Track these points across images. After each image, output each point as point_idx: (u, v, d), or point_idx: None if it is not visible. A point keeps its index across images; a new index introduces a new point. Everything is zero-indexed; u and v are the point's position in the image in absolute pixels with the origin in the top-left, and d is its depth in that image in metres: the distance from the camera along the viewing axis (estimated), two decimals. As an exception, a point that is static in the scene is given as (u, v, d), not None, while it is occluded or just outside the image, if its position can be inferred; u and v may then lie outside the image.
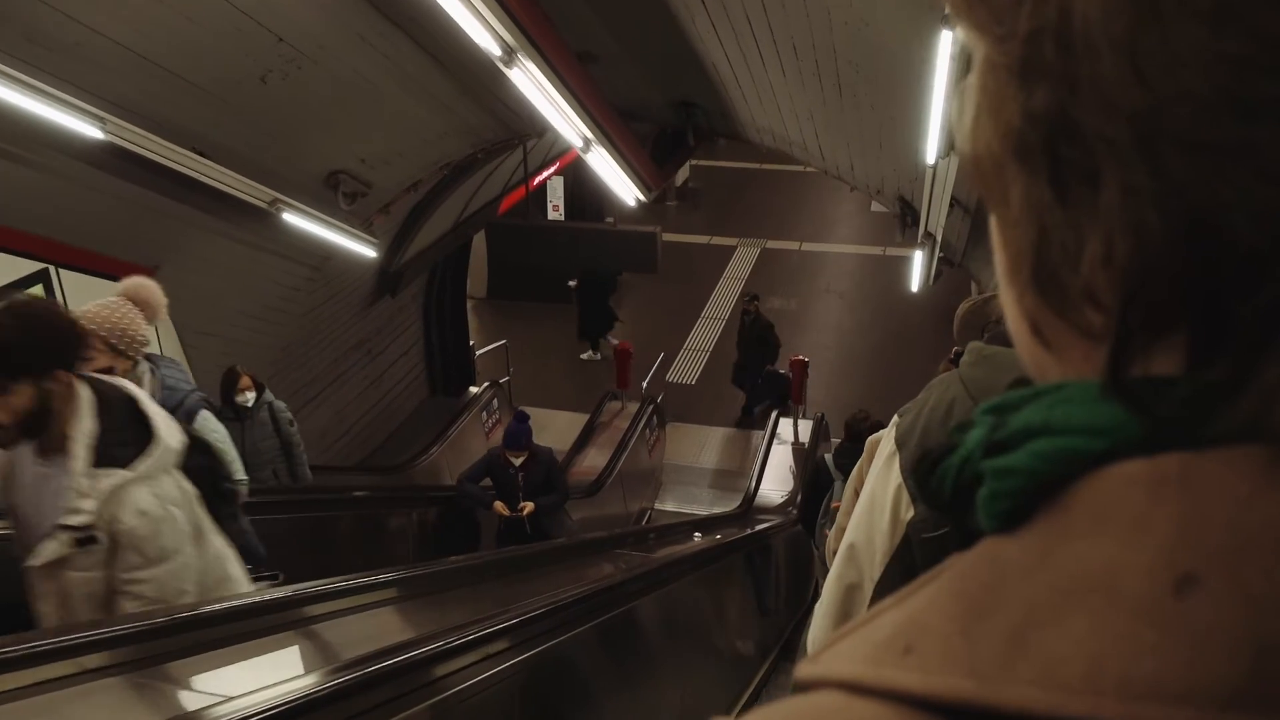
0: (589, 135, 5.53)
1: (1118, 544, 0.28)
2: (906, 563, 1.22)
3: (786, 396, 11.62)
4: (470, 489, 6.90)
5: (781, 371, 11.81)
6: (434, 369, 11.26)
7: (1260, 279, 0.28)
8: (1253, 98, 0.27)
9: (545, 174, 12.79)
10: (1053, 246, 0.32)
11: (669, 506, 10.76)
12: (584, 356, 13.78)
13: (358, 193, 6.83)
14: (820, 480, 6.20)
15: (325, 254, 7.49)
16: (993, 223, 0.37)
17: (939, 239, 4.95)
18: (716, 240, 18.51)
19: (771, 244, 18.05)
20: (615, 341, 13.38)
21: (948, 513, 0.35)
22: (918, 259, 6.13)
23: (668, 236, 19.33)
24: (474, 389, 11.21)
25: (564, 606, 3.53)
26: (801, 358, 10.79)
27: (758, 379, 11.96)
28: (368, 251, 7.34)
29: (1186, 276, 0.29)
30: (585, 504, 9.07)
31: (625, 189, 6.74)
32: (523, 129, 6.95)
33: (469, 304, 16.29)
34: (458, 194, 9.78)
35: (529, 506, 6.64)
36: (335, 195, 6.64)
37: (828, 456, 6.26)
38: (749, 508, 8.85)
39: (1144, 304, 0.30)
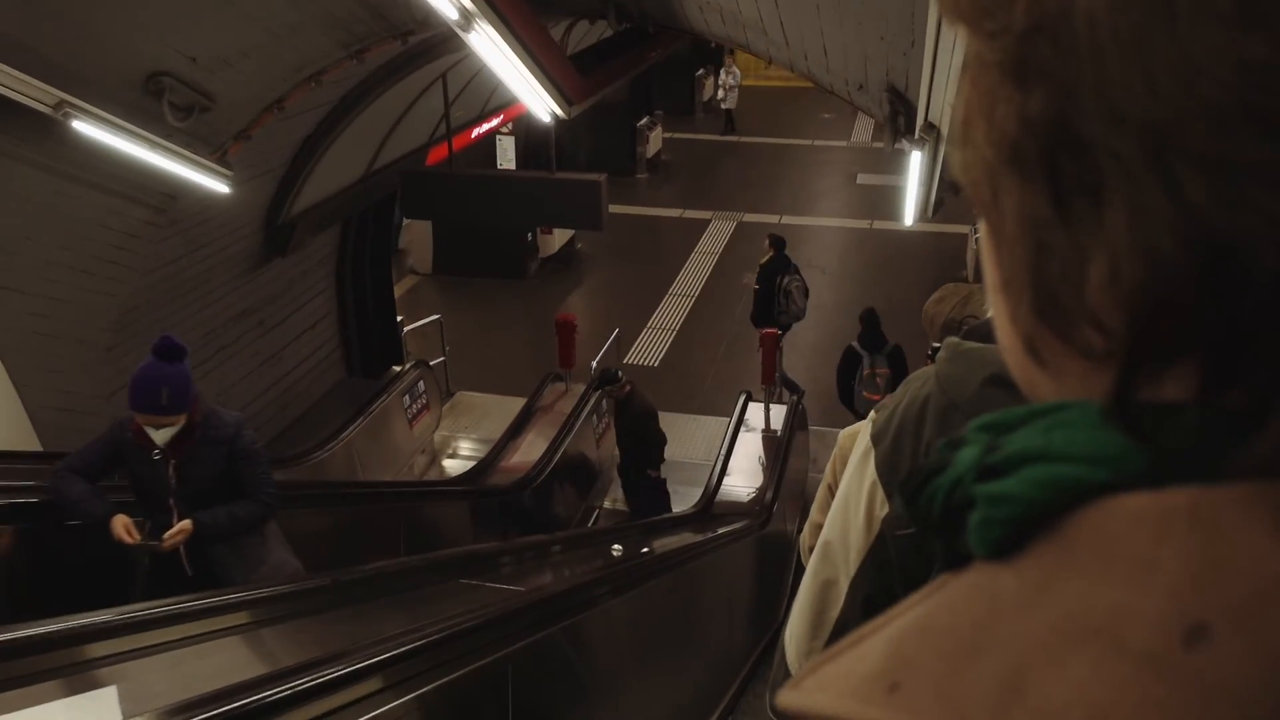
0: (468, 5, 4.03)
1: (1123, 586, 0.26)
2: (881, 559, 1.19)
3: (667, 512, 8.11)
4: (70, 489, 3.63)
5: (663, 480, 8.36)
6: (351, 346, 9.72)
7: None
8: (1278, 110, 0.25)
9: (487, 126, 11.27)
10: (1051, 264, 0.31)
11: (619, 505, 9.27)
12: None
13: (195, 105, 5.31)
14: (850, 358, 8.35)
15: (168, 191, 5.97)
16: (983, 234, 0.35)
17: (944, 132, 3.47)
18: (689, 214, 17.06)
19: (749, 218, 16.59)
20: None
21: (936, 534, 0.34)
22: (914, 171, 4.64)
23: (635, 210, 17.93)
24: (397, 369, 9.68)
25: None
26: (773, 330, 9.28)
27: (638, 486, 8.44)
28: (217, 186, 5.82)
29: (1201, 302, 0.27)
30: (516, 504, 7.59)
31: (535, 98, 5.23)
32: (401, 22, 5.45)
33: (412, 280, 14.90)
34: (364, 134, 8.26)
35: (181, 530, 3.53)
36: (160, 106, 5.12)
37: (853, 343, 8.30)
38: (707, 507, 7.37)
39: (1153, 329, 0.28)
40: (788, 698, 0.31)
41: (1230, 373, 0.27)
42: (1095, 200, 0.28)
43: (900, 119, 4.13)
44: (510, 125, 13.67)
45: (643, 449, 8.21)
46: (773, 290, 10.08)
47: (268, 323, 8.33)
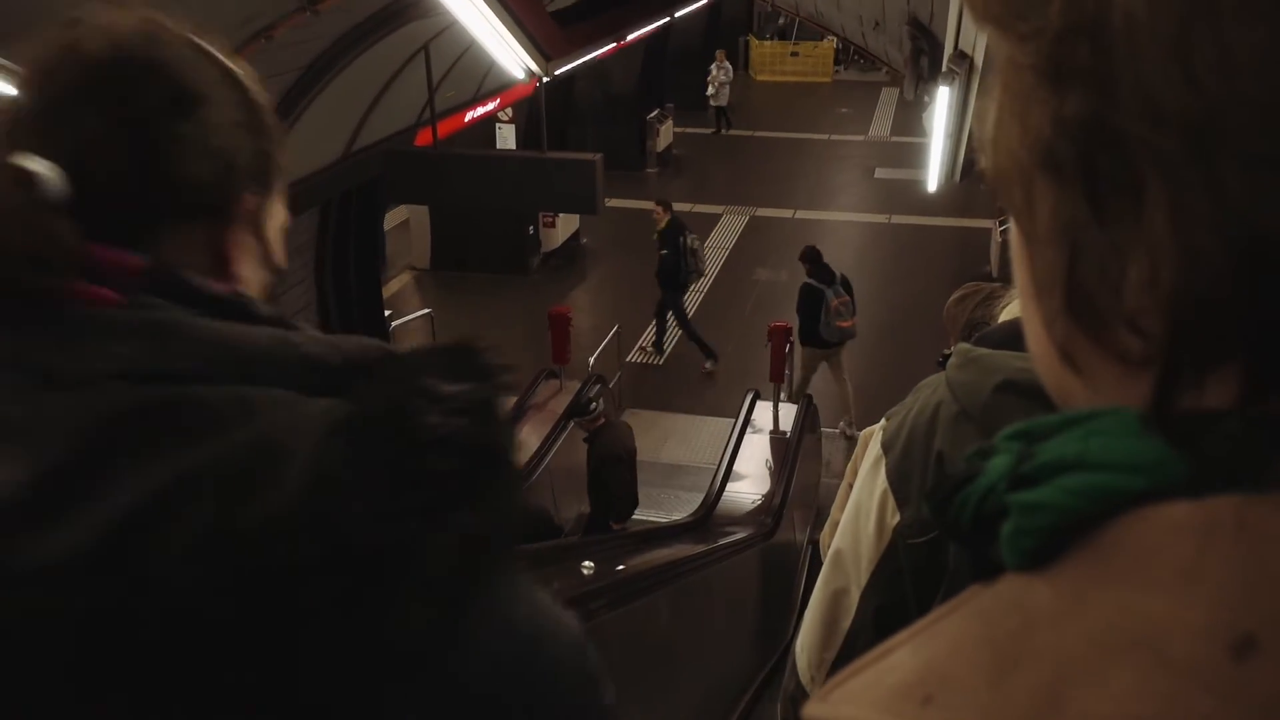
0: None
1: (1165, 596, 0.26)
2: (893, 568, 1.17)
3: None
4: None
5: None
6: (333, 340, 9.12)
7: None
8: None
9: (482, 109, 10.67)
10: (1088, 267, 0.30)
11: (618, 512, 8.64)
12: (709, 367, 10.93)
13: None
14: (813, 295, 8.84)
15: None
16: (1014, 238, 0.34)
17: (978, 63, 2.82)
18: (699, 208, 16.39)
19: (762, 212, 15.95)
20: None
21: (966, 544, 0.33)
22: (940, 117, 3.98)
23: (644, 204, 17.29)
24: (382, 365, 9.08)
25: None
26: (783, 324, 8.62)
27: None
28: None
29: (1243, 304, 0.27)
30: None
31: (508, 53, 4.60)
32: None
33: (409, 275, 14.33)
34: (340, 110, 7.66)
35: None
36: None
37: (808, 281, 8.89)
38: (707, 515, 6.72)
39: (1194, 333, 0.28)
40: (815, 709, 0.31)
41: (1274, 378, 0.27)
42: (1135, 200, 0.28)
43: (924, 59, 3.49)
44: (510, 113, 13.07)
45: (606, 497, 7.09)
46: (679, 251, 10.44)
47: (237, 313, 7.74)
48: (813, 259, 9.15)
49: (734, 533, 6.33)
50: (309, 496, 0.50)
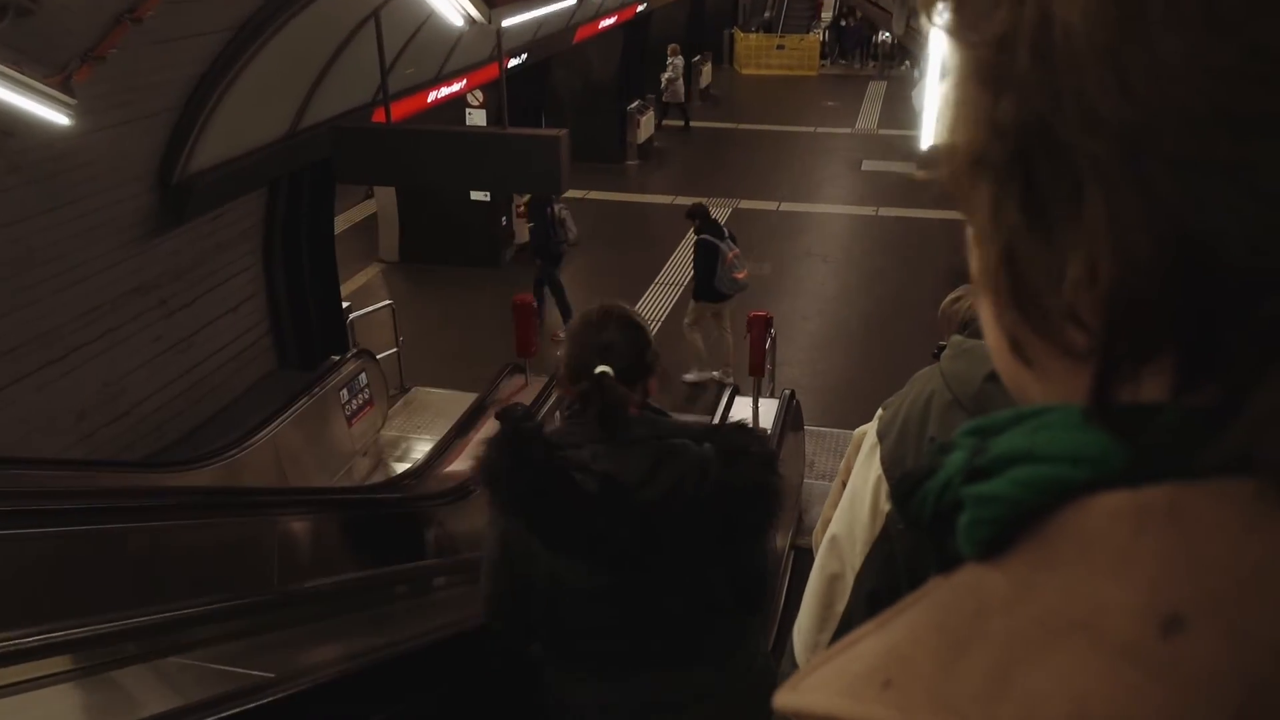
0: None
1: (1103, 580, 0.27)
2: (886, 553, 1.21)
3: None
4: None
5: None
6: (283, 334, 8.53)
7: (1253, 303, 0.27)
8: (1246, 112, 0.26)
9: (446, 90, 10.09)
10: (1030, 266, 0.32)
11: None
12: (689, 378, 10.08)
13: (9, 4, 4.13)
14: (709, 250, 9.17)
15: (-3, 124, 4.78)
16: (970, 238, 0.36)
17: None
18: (681, 200, 15.83)
19: (745, 204, 15.42)
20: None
21: (928, 536, 0.35)
22: (936, 57, 3.46)
23: (624, 196, 16.78)
24: (336, 358, 8.48)
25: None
26: (763, 313, 8.06)
27: None
28: (52, 116, 4.63)
29: (1175, 300, 0.28)
30: (451, 513, 6.37)
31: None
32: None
33: (377, 268, 13.72)
34: (284, 81, 7.08)
35: None
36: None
37: (703, 237, 9.25)
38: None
39: (1130, 328, 0.29)
40: (785, 698, 0.32)
41: (1204, 371, 0.28)
42: (1073, 202, 0.29)
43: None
44: (481, 96, 12.49)
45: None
46: (546, 220, 10.46)
47: (172, 303, 7.13)
48: (702, 215, 9.43)
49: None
50: (721, 475, 2.01)
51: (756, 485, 2.04)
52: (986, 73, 0.31)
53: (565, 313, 10.70)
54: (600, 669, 2.21)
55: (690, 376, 10.04)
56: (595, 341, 2.06)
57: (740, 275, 9.29)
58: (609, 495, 1.97)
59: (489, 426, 7.72)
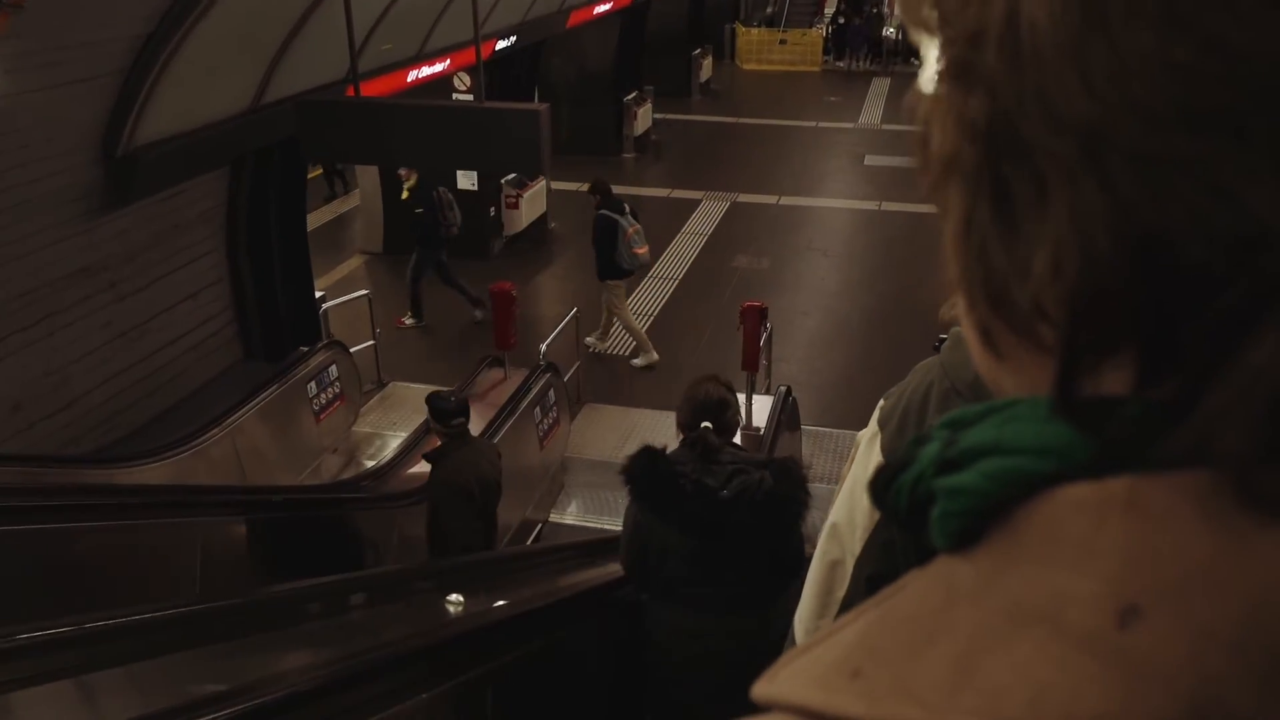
0: None
1: (1064, 571, 0.28)
2: (885, 538, 1.23)
3: None
4: None
5: None
6: (249, 323, 8.04)
7: (1209, 298, 0.27)
8: (1202, 109, 0.27)
9: (428, 69, 9.60)
10: (999, 260, 0.32)
11: (568, 519, 7.57)
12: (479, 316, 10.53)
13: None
14: (608, 226, 9.27)
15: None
16: (945, 232, 0.36)
17: None
18: (678, 193, 15.38)
19: (744, 198, 14.92)
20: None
21: (903, 528, 0.35)
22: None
23: (619, 189, 16.26)
24: (305, 349, 7.99)
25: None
26: (757, 303, 7.56)
27: None
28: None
29: (1136, 295, 0.29)
30: (416, 515, 5.88)
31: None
32: None
33: (360, 260, 13.23)
34: (244, 50, 6.60)
35: None
36: None
37: (603, 212, 9.25)
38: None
39: (1092, 322, 0.30)
40: (762, 689, 0.32)
41: (1164, 362, 0.29)
42: (1038, 198, 0.30)
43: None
44: (469, 81, 12.00)
45: (442, 547, 5.24)
46: (435, 205, 10.15)
47: (123, 287, 6.65)
48: (603, 191, 9.37)
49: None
50: (771, 488, 3.18)
51: (792, 495, 3.25)
52: (958, 69, 0.31)
53: (462, 291, 10.56)
54: (687, 606, 3.37)
55: (638, 362, 9.78)
56: (702, 405, 3.35)
57: (640, 250, 9.30)
58: (700, 494, 3.16)
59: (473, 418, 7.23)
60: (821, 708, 0.30)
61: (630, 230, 9.15)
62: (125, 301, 6.72)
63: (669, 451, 3.27)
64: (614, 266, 9.28)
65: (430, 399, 5.30)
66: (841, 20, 25.38)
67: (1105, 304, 0.29)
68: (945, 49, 0.32)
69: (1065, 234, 0.29)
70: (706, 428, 3.24)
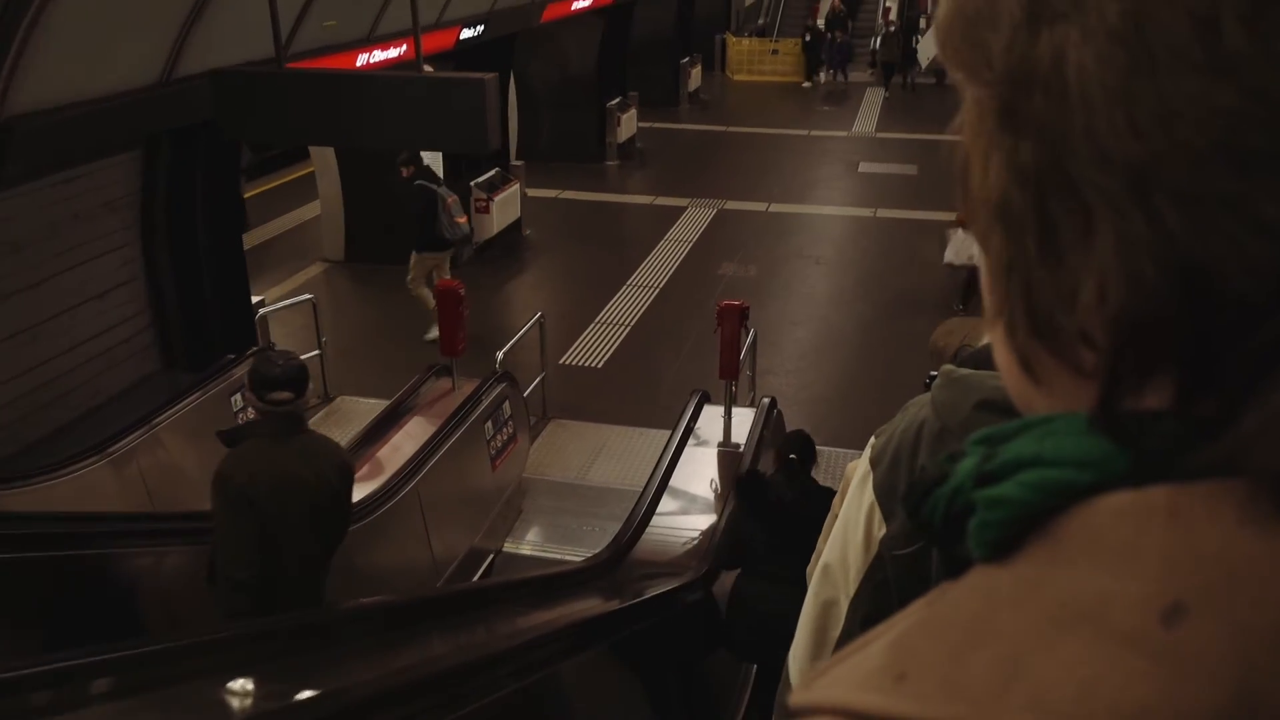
0: None
1: (1107, 574, 0.29)
2: (879, 578, 1.22)
3: None
4: None
5: None
6: (169, 328, 7.16)
7: (1251, 327, 0.29)
8: (1246, 150, 0.28)
9: (381, 54, 8.78)
10: (1044, 290, 0.33)
11: (525, 549, 6.67)
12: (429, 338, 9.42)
13: None
14: (429, 198, 9.13)
15: None
16: (982, 262, 0.37)
17: None
18: (662, 200, 14.57)
19: (731, 205, 14.11)
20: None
21: (938, 542, 0.36)
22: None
23: (602, 196, 15.47)
24: (232, 358, 7.10)
25: None
26: (737, 302, 6.69)
27: None
28: None
29: (1179, 322, 0.30)
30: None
31: None
32: None
33: (320, 267, 12.38)
34: (146, 13, 5.76)
35: None
36: None
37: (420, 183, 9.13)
38: (619, 557, 4.77)
39: (1136, 347, 0.31)
40: (799, 696, 0.33)
41: (1203, 384, 0.30)
42: (1084, 232, 0.31)
43: None
44: (433, 71, 11.16)
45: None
46: (434, 201, 9.13)
47: (6, 284, 5.78)
48: (415, 161, 9.07)
49: (653, 584, 4.40)
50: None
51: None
52: (1005, 113, 0.32)
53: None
54: (768, 578, 4.37)
55: (430, 336, 8.90)
56: (787, 443, 4.70)
57: (461, 220, 9.19)
58: (783, 503, 4.44)
59: (403, 439, 6.34)
60: (868, 709, 0.30)
61: (450, 199, 8.96)
62: (10, 300, 5.85)
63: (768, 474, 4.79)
64: (437, 238, 9.02)
65: (254, 358, 4.12)
66: (808, 37, 23.25)
67: (1149, 330, 0.30)
68: (982, 89, 0.33)
69: (1112, 265, 0.30)
70: (792, 458, 4.55)
